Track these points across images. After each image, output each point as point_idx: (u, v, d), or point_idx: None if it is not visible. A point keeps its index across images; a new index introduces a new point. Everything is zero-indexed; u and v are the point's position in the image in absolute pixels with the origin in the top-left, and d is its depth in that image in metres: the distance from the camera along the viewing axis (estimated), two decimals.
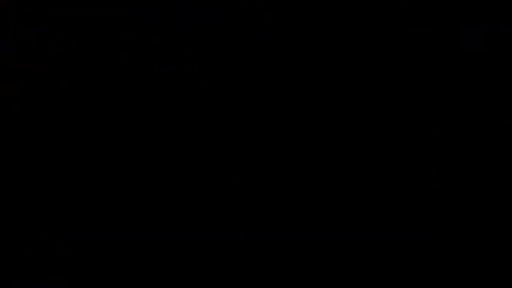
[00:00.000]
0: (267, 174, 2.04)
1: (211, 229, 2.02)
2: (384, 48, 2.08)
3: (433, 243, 2.01)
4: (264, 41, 2.08)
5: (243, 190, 2.04)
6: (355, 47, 2.08)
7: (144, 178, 2.04)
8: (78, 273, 2.01)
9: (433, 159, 2.04)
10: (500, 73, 2.08)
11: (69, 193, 2.03)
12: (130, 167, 2.04)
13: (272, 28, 2.08)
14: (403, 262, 2.00)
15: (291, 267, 2.01)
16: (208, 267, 2.01)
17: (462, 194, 2.03)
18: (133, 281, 2.00)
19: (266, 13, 2.09)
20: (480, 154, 2.04)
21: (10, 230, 2.02)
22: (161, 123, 2.06)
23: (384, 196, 2.03)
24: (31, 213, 2.02)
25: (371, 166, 2.04)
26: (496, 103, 2.06)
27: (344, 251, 2.01)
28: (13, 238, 2.02)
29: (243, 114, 2.06)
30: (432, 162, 2.04)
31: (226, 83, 2.07)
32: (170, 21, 2.08)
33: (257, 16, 2.08)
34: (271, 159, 2.05)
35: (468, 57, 2.08)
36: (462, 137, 2.05)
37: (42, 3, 2.09)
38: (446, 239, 2.01)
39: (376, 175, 2.04)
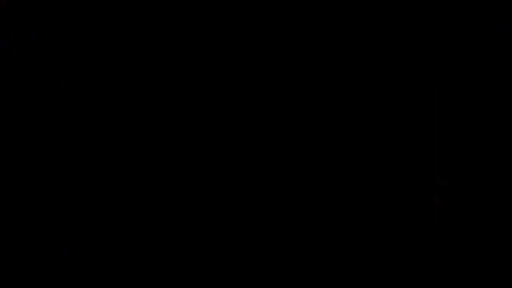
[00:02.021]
0: (267, 174, 2.04)
1: (211, 229, 2.02)
2: (384, 48, 2.08)
3: (433, 243, 2.01)
4: (264, 41, 2.08)
5: (243, 190, 2.04)
6: (355, 47, 2.08)
7: (144, 178, 2.04)
8: (78, 273, 2.01)
9: (433, 159, 2.04)
10: (500, 73, 2.08)
11: (69, 193, 2.03)
12: (130, 167, 2.04)
13: (272, 28, 2.08)
14: (403, 262, 2.00)
15: (291, 267, 2.01)
16: (208, 267, 2.01)
17: (462, 194, 2.03)
18: (133, 281, 2.00)
19: (266, 13, 2.09)
20: (480, 154, 2.04)
21: (10, 230, 2.02)
22: (161, 123, 2.06)
23: (384, 196, 2.03)
24: (31, 213, 2.03)
25: (371, 166, 2.04)
26: (496, 103, 2.06)
27: (344, 251, 2.01)
28: (13, 238, 2.02)
29: (243, 114, 2.06)
30: (432, 162, 2.04)
31: (226, 83, 2.07)
32: (170, 21, 2.08)
33: (257, 16, 2.08)
34: (271, 159, 2.05)
35: (468, 57, 2.08)
36: (462, 137, 2.05)
37: (42, 3, 2.09)
38: (446, 239, 2.01)
39: (376, 175, 2.04)
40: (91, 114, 2.06)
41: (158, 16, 2.08)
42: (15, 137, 2.05)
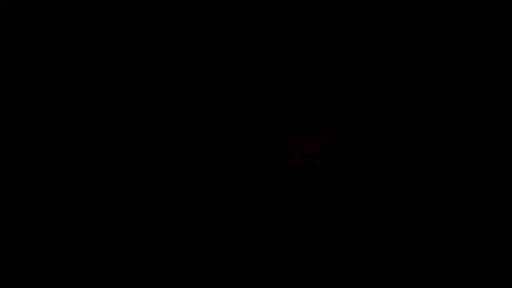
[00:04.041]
0: (267, 174, 2.04)
1: (211, 229, 2.02)
2: (384, 48, 2.08)
3: (433, 243, 2.01)
4: (263, 41, 2.08)
5: (243, 190, 2.04)
6: (355, 47, 2.08)
7: (144, 178, 2.04)
8: (78, 273, 2.01)
9: (433, 159, 2.04)
10: (500, 73, 2.08)
11: (69, 193, 2.03)
12: (130, 167, 2.04)
13: (271, 28, 2.08)
14: (403, 262, 2.00)
15: (291, 267, 2.01)
16: (208, 267, 2.01)
17: (462, 194, 2.03)
18: (133, 281, 2.00)
19: (266, 13, 2.09)
20: (480, 154, 2.04)
21: (10, 230, 2.02)
22: (161, 123, 2.06)
23: (384, 196, 2.03)
24: (31, 213, 2.03)
25: (371, 166, 2.04)
26: (496, 103, 2.06)
27: (344, 251, 2.01)
28: (13, 238, 2.02)
29: (243, 114, 2.06)
30: (432, 162, 2.04)
31: (226, 83, 2.07)
32: (170, 21, 2.08)
33: (257, 16, 2.08)
34: (271, 159, 2.05)
35: (468, 57, 2.08)
36: (462, 137, 2.05)
37: (42, 3, 2.09)
38: (446, 239, 2.02)
39: (376, 175, 2.04)
40: (91, 114, 2.06)
41: (158, 16, 2.08)
42: (15, 137, 2.05)
